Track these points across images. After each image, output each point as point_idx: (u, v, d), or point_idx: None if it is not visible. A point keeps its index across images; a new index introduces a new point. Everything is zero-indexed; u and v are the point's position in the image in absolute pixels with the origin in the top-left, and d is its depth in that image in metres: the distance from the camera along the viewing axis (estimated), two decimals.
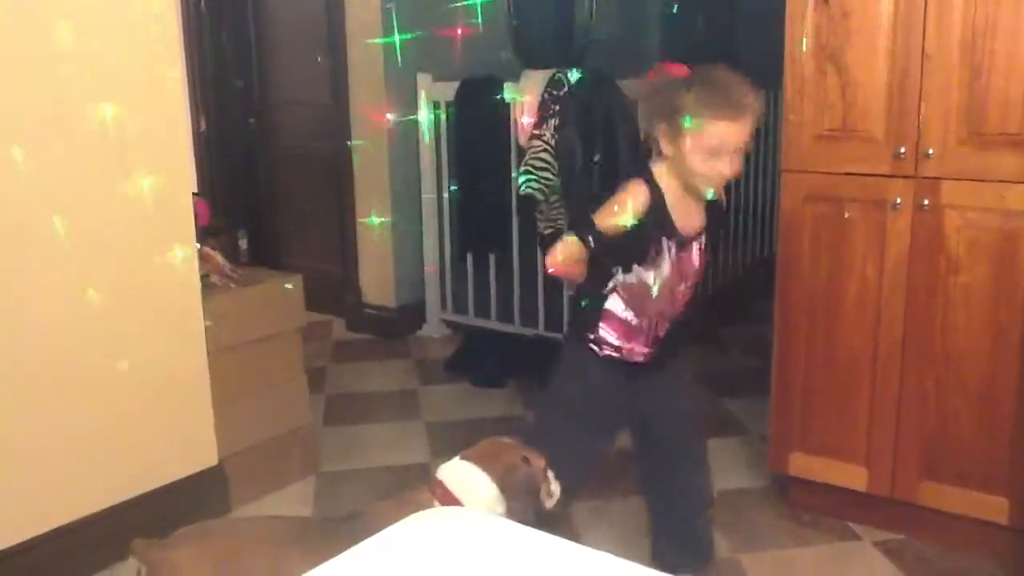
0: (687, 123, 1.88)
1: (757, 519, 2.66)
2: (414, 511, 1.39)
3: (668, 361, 2.13)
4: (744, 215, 4.98)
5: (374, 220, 4.34)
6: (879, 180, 2.35)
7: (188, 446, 2.61)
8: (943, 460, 2.38)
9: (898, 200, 2.31)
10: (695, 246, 2.03)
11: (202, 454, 2.64)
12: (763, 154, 5.00)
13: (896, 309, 2.37)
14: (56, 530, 2.31)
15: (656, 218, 1.95)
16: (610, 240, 1.95)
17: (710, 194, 1.98)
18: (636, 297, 2.02)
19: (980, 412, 2.31)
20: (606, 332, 2.06)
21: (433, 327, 4.43)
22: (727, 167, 1.91)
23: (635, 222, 1.94)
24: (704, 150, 1.89)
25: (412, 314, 4.44)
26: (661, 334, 2.07)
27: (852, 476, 2.51)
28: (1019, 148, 2.16)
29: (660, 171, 1.98)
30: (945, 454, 2.37)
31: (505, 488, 1.80)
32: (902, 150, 2.29)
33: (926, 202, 2.28)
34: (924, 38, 2.22)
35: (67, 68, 2.21)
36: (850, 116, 2.36)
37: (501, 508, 1.78)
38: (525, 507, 1.81)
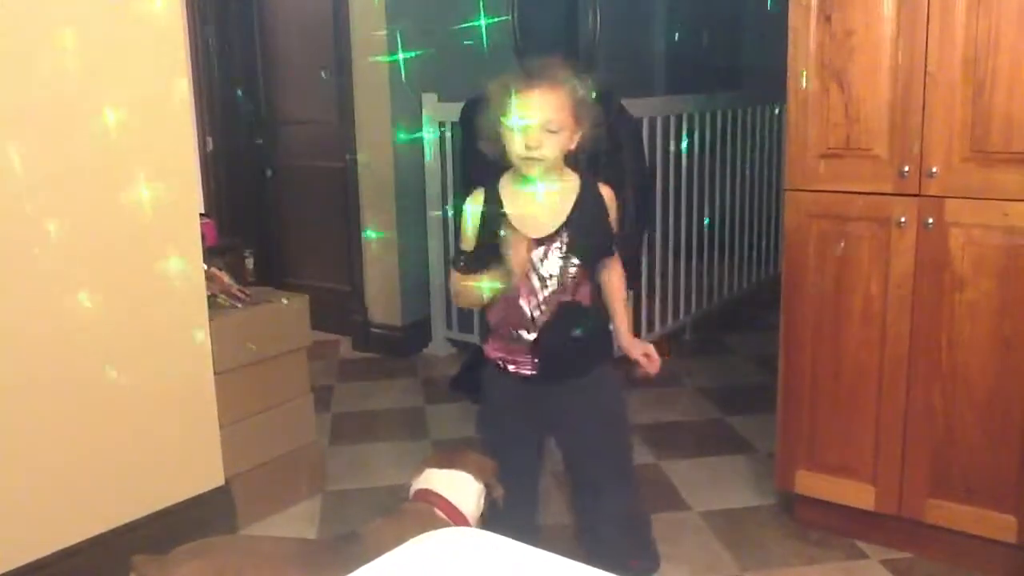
0: (499, 108, 1.88)
1: (764, 537, 2.65)
2: (414, 525, 1.39)
3: (572, 380, 2.06)
4: (749, 234, 4.99)
5: (371, 233, 4.35)
6: (883, 198, 2.35)
7: (195, 466, 2.61)
8: (951, 477, 2.37)
9: (903, 219, 2.31)
10: (553, 246, 1.96)
11: (209, 474, 2.64)
12: (767, 172, 5.01)
13: (902, 326, 2.37)
14: (62, 551, 2.30)
15: (493, 221, 1.94)
16: (471, 255, 1.98)
17: (531, 175, 1.93)
18: (502, 306, 2.00)
19: (987, 428, 2.30)
20: (492, 347, 2.07)
21: (439, 345, 4.44)
22: (533, 140, 1.86)
23: (479, 230, 1.96)
24: (515, 127, 1.86)
25: (418, 333, 4.45)
26: (534, 336, 1.99)
27: (859, 494, 2.51)
28: (1022, 165, 2.16)
29: (504, 178, 2.00)
30: (953, 471, 2.36)
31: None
32: (906, 168, 2.29)
33: (930, 220, 2.28)
34: (926, 56, 2.23)
35: (71, 70, 2.22)
36: (853, 134, 2.36)
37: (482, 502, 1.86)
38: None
